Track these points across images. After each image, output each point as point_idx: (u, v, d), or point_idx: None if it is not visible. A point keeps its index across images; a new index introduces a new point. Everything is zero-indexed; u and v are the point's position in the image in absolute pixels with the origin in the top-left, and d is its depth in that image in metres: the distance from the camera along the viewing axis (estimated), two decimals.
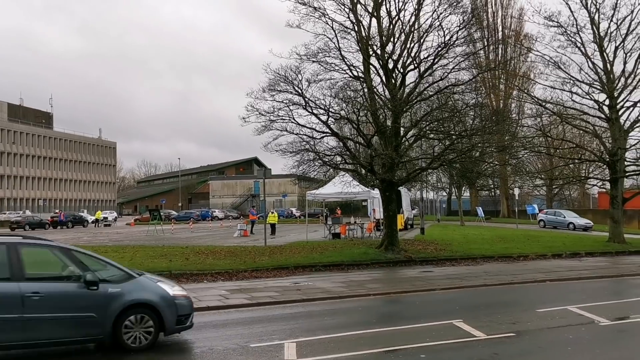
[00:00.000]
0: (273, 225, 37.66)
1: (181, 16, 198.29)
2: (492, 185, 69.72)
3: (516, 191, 49.75)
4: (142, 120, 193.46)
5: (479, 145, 24.45)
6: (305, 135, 23.70)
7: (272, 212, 40.30)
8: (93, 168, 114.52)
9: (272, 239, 31.57)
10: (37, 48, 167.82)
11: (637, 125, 27.87)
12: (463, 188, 58.58)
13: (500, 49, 58.36)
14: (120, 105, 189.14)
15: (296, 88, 22.53)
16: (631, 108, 27.82)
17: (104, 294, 8.72)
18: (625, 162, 28.64)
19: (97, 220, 66.08)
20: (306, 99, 22.74)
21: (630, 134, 28.35)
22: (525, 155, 35.72)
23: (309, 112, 23.12)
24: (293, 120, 23.20)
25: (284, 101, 22.87)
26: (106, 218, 70.12)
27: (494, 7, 64.98)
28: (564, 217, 46.00)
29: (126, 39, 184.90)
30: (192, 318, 9.87)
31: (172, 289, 9.71)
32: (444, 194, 76.42)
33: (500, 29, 63.89)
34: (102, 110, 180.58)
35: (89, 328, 8.66)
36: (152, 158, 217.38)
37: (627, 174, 29.20)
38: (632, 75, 27.25)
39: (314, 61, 22.81)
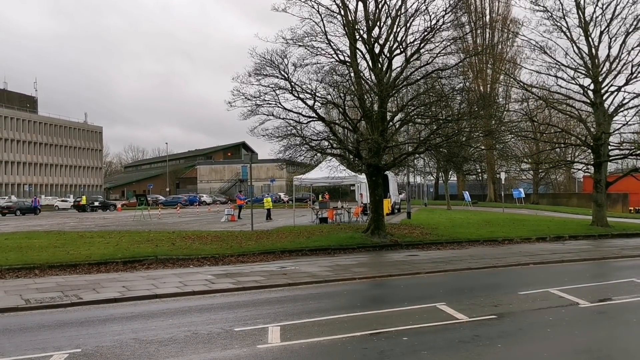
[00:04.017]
0: (269, 210, 37.88)
1: None
2: (478, 170, 70.16)
3: (502, 175, 50.07)
4: (124, 104, 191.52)
5: (466, 129, 24.54)
6: (292, 119, 23.69)
7: (266, 197, 41.14)
8: (79, 153, 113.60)
9: (265, 223, 31.80)
10: (10, 30, 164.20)
11: (621, 109, 28.08)
12: (450, 172, 58.83)
13: (487, 34, 58.37)
14: (100, 89, 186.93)
15: (282, 72, 22.44)
16: (615, 93, 28.00)
17: None
18: (609, 147, 28.88)
19: (83, 205, 65.74)
20: (292, 84, 22.67)
21: (614, 119, 28.57)
22: (512, 139, 35.92)
23: (295, 96, 23.08)
24: (279, 105, 23.17)
25: (270, 85, 22.80)
26: (92, 203, 69.66)
27: None
28: None
29: (101, 21, 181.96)
30: None
31: None
32: (431, 178, 76.86)
33: (487, 12, 63.83)
34: (82, 94, 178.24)
35: None
36: (137, 143, 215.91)
37: (610, 158, 29.46)
38: (617, 60, 27.40)
39: (300, 45, 22.72)
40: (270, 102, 23.00)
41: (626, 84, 27.40)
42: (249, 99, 22.79)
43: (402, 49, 23.03)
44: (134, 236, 24.25)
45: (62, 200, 76.22)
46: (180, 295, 12.98)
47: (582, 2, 27.36)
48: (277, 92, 22.90)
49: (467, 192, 60.47)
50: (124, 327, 9.99)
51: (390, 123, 24.63)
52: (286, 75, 22.50)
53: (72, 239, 23.24)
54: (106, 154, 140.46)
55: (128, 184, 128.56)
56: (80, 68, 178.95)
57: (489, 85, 55.15)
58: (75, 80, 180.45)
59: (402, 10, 22.75)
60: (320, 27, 22.57)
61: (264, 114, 23.26)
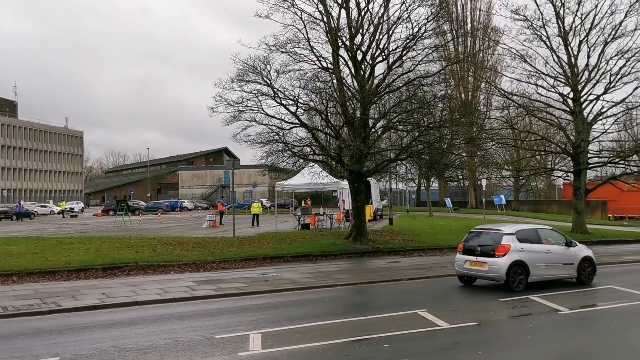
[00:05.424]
0: (256, 216, 37.53)
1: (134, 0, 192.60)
2: (460, 177, 70.57)
3: (484, 182, 50.40)
4: (104, 109, 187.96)
5: (447, 136, 24.70)
6: (275, 126, 23.63)
7: (255, 202, 41.33)
8: (59, 158, 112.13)
9: (247, 229, 31.56)
10: None
11: (600, 118, 28.51)
12: (431, 179, 59.15)
13: (468, 42, 58.92)
14: (79, 93, 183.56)
15: (265, 78, 22.40)
16: (594, 101, 28.44)
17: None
18: (588, 154, 29.28)
19: (62, 211, 64.89)
20: (275, 90, 22.64)
21: (593, 127, 29.01)
22: (493, 146, 36.25)
23: (277, 102, 23.04)
24: (262, 111, 23.10)
25: (253, 92, 22.74)
26: (72, 209, 68.82)
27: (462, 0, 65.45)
28: None
29: (80, 24, 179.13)
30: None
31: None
32: (413, 185, 77.08)
33: (468, 21, 64.41)
34: (62, 98, 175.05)
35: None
36: (118, 148, 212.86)
37: (590, 166, 29.85)
38: (596, 69, 27.83)
39: (283, 52, 22.72)
40: (252, 108, 22.95)
41: (605, 92, 27.85)
42: (231, 105, 22.70)
43: (384, 56, 23.17)
44: (114, 242, 23.99)
45: (42, 206, 75.12)
46: (160, 302, 12.85)
47: (561, 12, 27.79)
48: (260, 98, 22.87)
49: (448, 198, 60.81)
50: (103, 335, 9.85)
51: (373, 130, 24.72)
52: (269, 82, 22.46)
53: (51, 245, 22.92)
54: (87, 159, 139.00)
55: (109, 190, 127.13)
56: (59, 72, 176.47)
57: (470, 93, 55.62)
58: (54, 85, 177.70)
59: (385, 18, 22.91)
60: (303, 33, 22.64)
61: (247, 120, 23.20)
